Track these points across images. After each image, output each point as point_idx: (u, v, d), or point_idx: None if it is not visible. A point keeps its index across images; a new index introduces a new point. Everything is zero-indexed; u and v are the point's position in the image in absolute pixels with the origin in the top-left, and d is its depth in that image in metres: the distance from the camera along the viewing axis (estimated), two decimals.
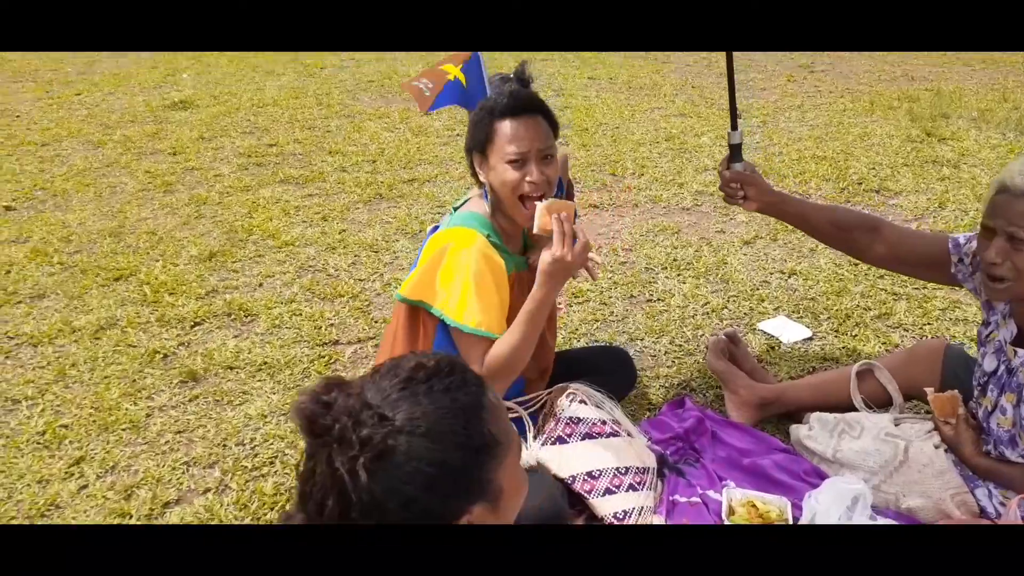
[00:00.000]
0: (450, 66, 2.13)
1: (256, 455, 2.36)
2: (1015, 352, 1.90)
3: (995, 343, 1.98)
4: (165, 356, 2.89)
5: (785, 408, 2.38)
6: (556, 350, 2.63)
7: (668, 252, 3.66)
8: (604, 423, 2.12)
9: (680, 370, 2.73)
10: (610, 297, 3.26)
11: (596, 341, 2.92)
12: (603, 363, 2.38)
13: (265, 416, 2.53)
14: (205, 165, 5.09)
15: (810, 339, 2.90)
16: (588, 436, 2.06)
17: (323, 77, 7.58)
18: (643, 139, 5.43)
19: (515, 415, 2.08)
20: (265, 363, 2.82)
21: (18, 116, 6.34)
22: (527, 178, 1.90)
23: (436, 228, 2.09)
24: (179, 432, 2.47)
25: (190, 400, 2.63)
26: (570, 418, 2.07)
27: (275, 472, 2.28)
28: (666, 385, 2.65)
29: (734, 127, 2.19)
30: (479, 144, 1.96)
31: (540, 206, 1.85)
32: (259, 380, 2.74)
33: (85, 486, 2.24)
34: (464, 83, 2.14)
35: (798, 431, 2.27)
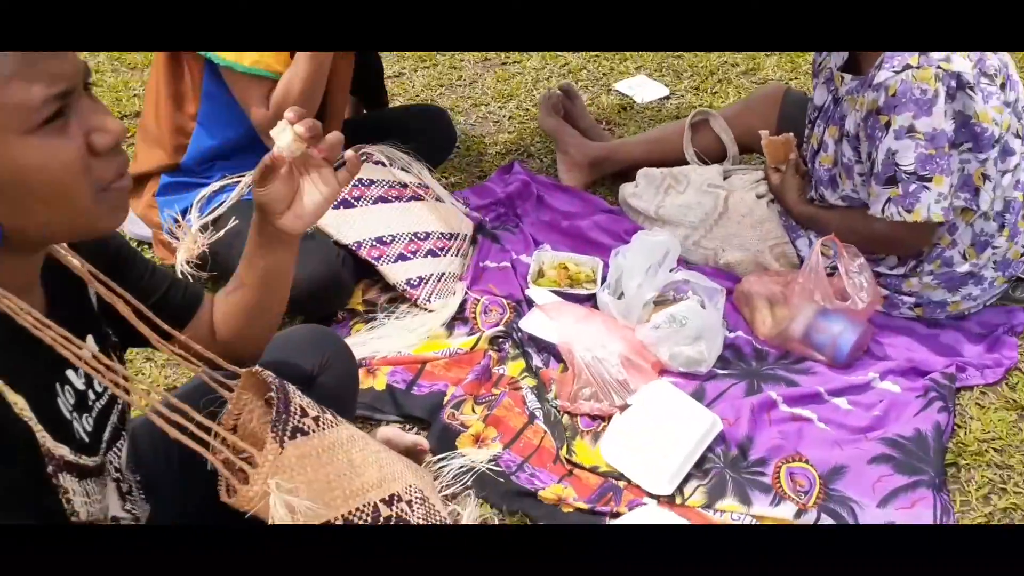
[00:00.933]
0: None
1: None
2: (842, 79, 1.71)
3: (826, 72, 1.79)
4: None
5: (618, 167, 2.20)
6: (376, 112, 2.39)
7: None
8: (404, 186, 1.92)
9: (521, 136, 2.50)
10: (461, 60, 2.95)
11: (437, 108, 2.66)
12: (417, 124, 2.14)
13: None
14: None
15: (667, 98, 2.68)
16: (382, 200, 1.87)
17: None
18: None
19: None
20: None
21: None
22: None
23: None
24: None
25: None
26: (359, 180, 1.86)
27: None
28: (502, 151, 2.44)
29: None
30: None
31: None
32: None
33: None
34: None
35: (624, 189, 2.11)
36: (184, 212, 1.80)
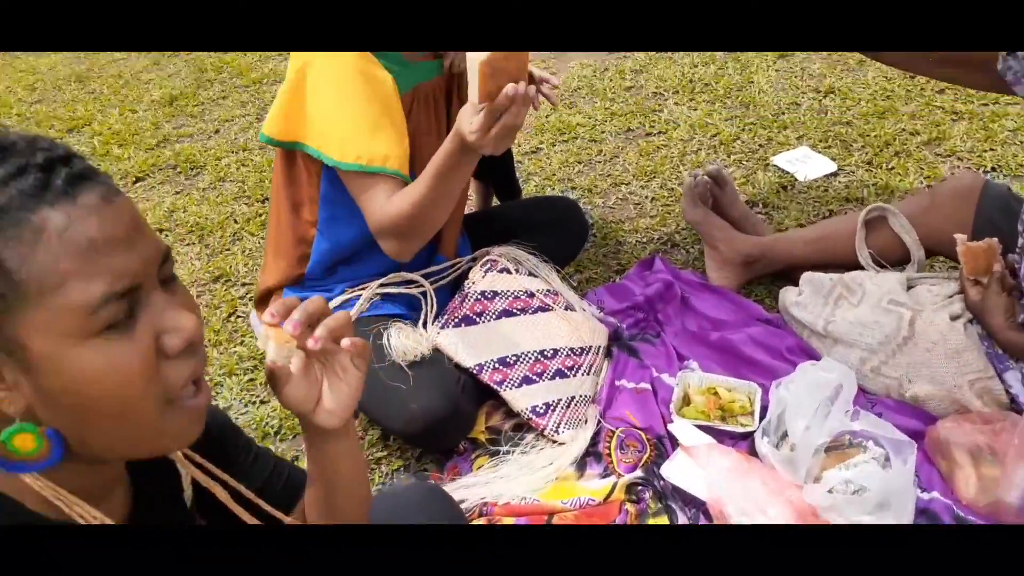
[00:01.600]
0: None
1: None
2: None
3: None
4: None
5: (775, 266, 1.92)
6: (496, 204, 2.23)
7: (685, 72, 3.07)
8: (531, 295, 1.73)
9: (665, 220, 2.27)
10: (602, 132, 2.75)
11: (573, 188, 2.47)
12: (546, 217, 1.95)
13: (193, 283, 2.26)
14: None
15: (834, 174, 2.37)
16: (506, 314, 1.69)
17: None
18: None
19: (418, 289, 1.71)
20: (197, 224, 2.52)
21: None
22: None
23: None
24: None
25: None
26: (483, 292, 1.69)
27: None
28: (644, 240, 2.21)
29: None
30: None
31: (474, 58, 1.19)
32: (188, 244, 2.45)
33: None
34: None
35: (786, 296, 1.83)
36: None
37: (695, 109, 2.81)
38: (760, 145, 2.56)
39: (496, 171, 2.14)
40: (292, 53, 1.54)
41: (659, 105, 2.88)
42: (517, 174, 2.29)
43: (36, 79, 3.71)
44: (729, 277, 1.94)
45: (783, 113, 2.71)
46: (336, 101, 1.47)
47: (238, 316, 2.13)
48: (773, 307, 1.90)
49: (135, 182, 2.82)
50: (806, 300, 1.76)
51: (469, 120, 1.27)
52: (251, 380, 1.91)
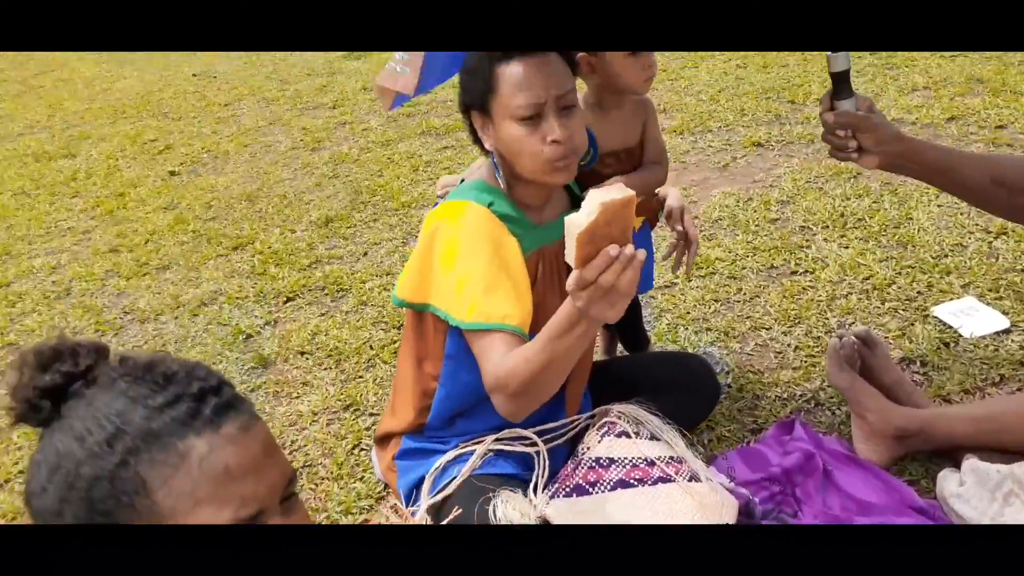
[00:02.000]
0: None
1: (291, 462, 2.15)
2: None
3: None
4: (248, 337, 2.78)
5: (933, 444, 1.72)
6: (625, 354, 2.16)
7: (836, 204, 2.92)
8: (651, 464, 1.63)
9: (808, 374, 2.11)
10: (743, 268, 2.64)
11: (709, 330, 2.36)
12: (674, 375, 1.85)
13: (315, 414, 2.32)
14: (358, 118, 4.99)
15: (1007, 332, 2.13)
16: (622, 484, 1.59)
17: None
18: None
19: (531, 447, 1.66)
20: (336, 348, 2.61)
21: (215, 77, 6.68)
22: (548, 137, 1.43)
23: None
24: None
25: (251, 391, 2.49)
26: (597, 459, 1.61)
27: (299, 487, 2.06)
28: (784, 396, 2.05)
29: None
30: (477, 97, 1.50)
31: (571, 222, 1.12)
32: (325, 368, 2.53)
33: None
34: None
35: (946, 484, 1.62)
36: (418, 483, 1.68)
37: (846, 247, 2.65)
38: (919, 292, 2.35)
39: (622, 318, 2.08)
40: (428, 216, 1.58)
41: (806, 241, 2.74)
42: (646, 314, 2.22)
43: (213, 197, 4.07)
44: (879, 451, 1.75)
45: (946, 256, 2.50)
46: (461, 263, 1.49)
47: (362, 448, 2.15)
48: (929, 489, 1.69)
49: (286, 302, 2.97)
50: (969, 492, 1.55)
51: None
52: (366, 520, 1.91)
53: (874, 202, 2.90)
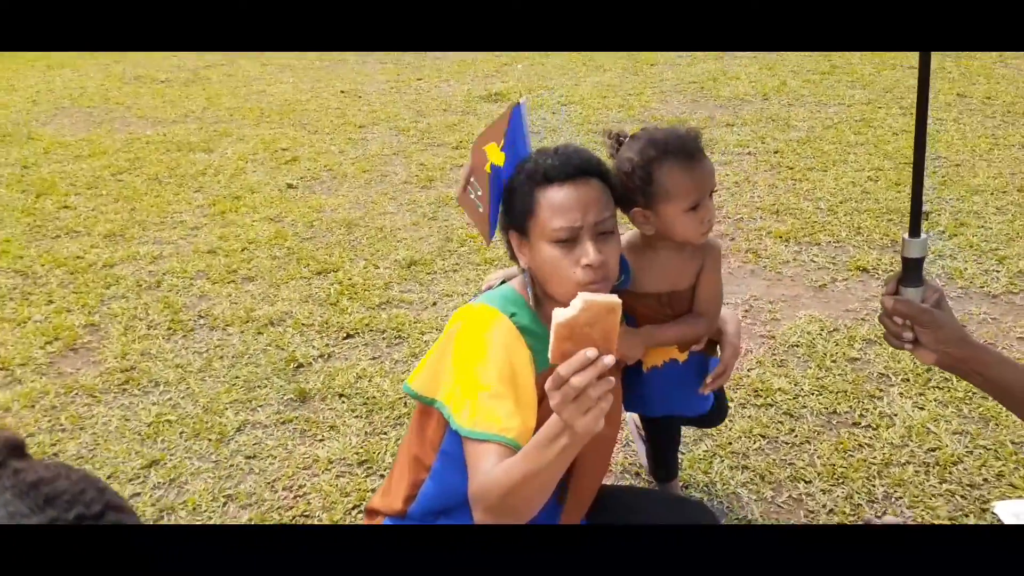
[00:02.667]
0: (492, 146, 1.52)
1: (291, 508, 2.17)
2: None
3: None
4: (299, 367, 2.85)
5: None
6: (634, 485, 2.05)
7: None
8: None
9: None
10: (803, 407, 2.47)
11: (746, 468, 2.22)
12: (663, 520, 1.73)
13: (331, 463, 2.34)
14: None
15: None
16: None
17: (649, 75, 7.18)
18: (985, 184, 4.18)
19: None
20: (373, 397, 2.63)
21: (360, 96, 6.98)
22: (582, 260, 1.42)
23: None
24: (248, 458, 2.38)
25: (283, 423, 2.54)
26: None
27: None
28: None
29: (914, 230, 1.39)
30: (518, 218, 1.50)
31: (555, 316, 1.14)
32: (356, 416, 2.55)
33: (138, 494, 2.25)
34: (502, 162, 1.58)
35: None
36: None
37: (921, 408, 2.43)
38: (985, 480, 2.12)
39: (655, 439, 1.99)
40: (455, 313, 1.58)
41: (880, 391, 2.53)
42: (687, 433, 2.10)
43: (317, 217, 4.23)
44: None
45: None
46: (473, 369, 1.48)
47: (360, 511, 2.14)
48: None
49: (345, 338, 3.03)
50: None
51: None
52: None
53: None
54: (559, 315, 1.12)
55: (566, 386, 1.12)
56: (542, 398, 1.53)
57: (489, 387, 1.44)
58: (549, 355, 1.15)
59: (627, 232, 1.66)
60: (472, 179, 1.60)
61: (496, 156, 1.56)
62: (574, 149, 1.51)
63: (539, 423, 1.47)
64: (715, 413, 1.92)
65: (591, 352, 1.11)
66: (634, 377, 1.78)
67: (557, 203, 1.43)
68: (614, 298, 1.12)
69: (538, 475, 1.29)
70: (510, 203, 1.52)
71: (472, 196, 1.61)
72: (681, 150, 1.55)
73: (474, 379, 1.46)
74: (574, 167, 1.47)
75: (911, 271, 1.39)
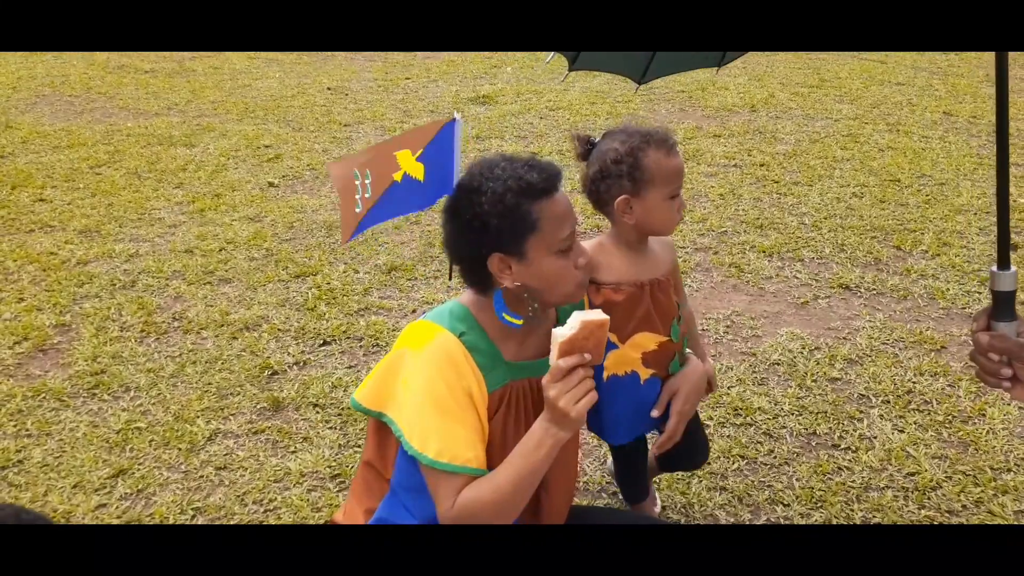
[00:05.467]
0: (406, 153, 1.45)
1: (261, 523, 2.12)
2: None
3: None
4: (274, 374, 2.79)
5: None
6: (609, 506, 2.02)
7: (906, 378, 2.69)
8: None
9: None
10: (782, 427, 2.45)
11: (724, 488, 2.20)
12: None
13: (303, 476, 2.29)
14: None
15: None
16: None
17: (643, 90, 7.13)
18: (969, 203, 4.19)
19: None
20: (348, 408, 2.58)
21: (346, 94, 6.92)
22: (580, 261, 1.49)
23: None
24: (218, 469, 2.33)
25: (255, 432, 2.49)
26: None
27: None
28: None
29: (1003, 262, 1.33)
30: (513, 240, 1.44)
31: (556, 335, 1.32)
32: (331, 427, 2.51)
33: (104, 505, 2.20)
34: (421, 176, 1.51)
35: None
36: None
37: (901, 430, 2.42)
38: (964, 506, 2.11)
39: (615, 458, 1.96)
40: (407, 327, 1.53)
41: (860, 412, 2.52)
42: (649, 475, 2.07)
43: (297, 218, 4.17)
44: None
45: (1010, 471, 2.24)
46: (421, 390, 1.45)
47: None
48: None
49: (321, 345, 2.98)
50: None
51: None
52: None
53: (949, 385, 2.65)
54: (559, 335, 1.31)
55: (567, 378, 1.32)
56: (491, 415, 1.50)
57: (442, 412, 1.43)
58: (550, 367, 1.33)
59: (594, 238, 1.72)
60: (367, 174, 1.48)
61: (411, 166, 1.48)
62: (539, 160, 1.49)
63: (490, 439, 1.49)
64: (696, 453, 1.91)
65: (588, 356, 1.33)
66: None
67: (560, 213, 1.44)
68: (603, 315, 1.32)
69: (527, 479, 1.41)
70: (502, 226, 1.43)
71: (357, 189, 1.48)
72: (664, 140, 1.63)
73: (425, 402, 1.44)
74: (556, 174, 1.47)
75: (1003, 305, 1.33)
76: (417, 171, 1.46)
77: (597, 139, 1.70)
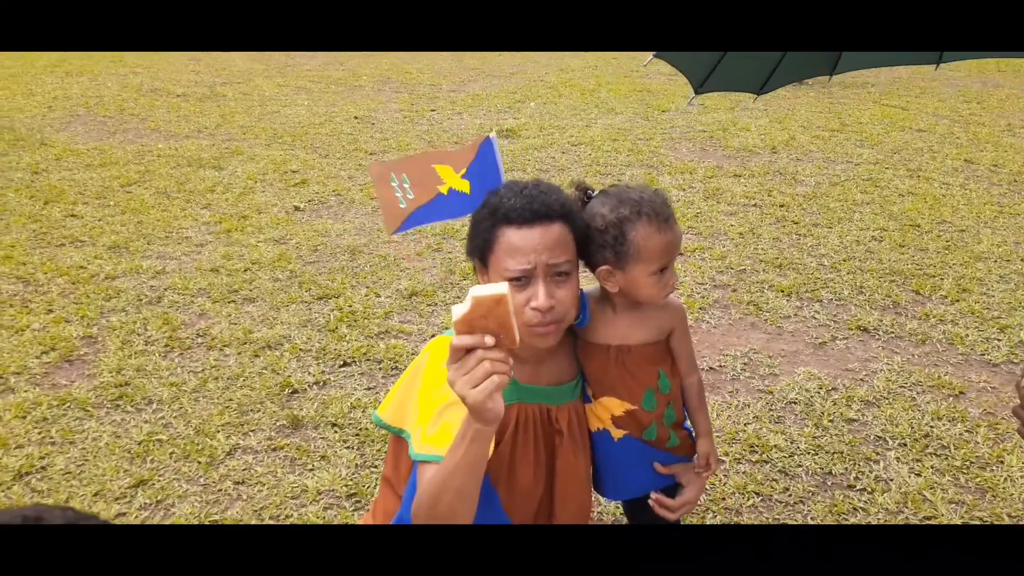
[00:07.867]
0: (447, 169, 1.55)
1: None
2: None
3: None
4: (294, 393, 2.83)
5: None
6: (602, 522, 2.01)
7: (924, 422, 2.68)
8: None
9: None
10: (798, 466, 2.45)
11: (738, 518, 2.20)
12: None
13: (320, 494, 2.31)
14: None
15: None
16: None
17: (659, 120, 7.23)
18: (989, 251, 4.19)
19: None
20: (366, 428, 2.61)
21: (373, 123, 7.04)
22: (532, 303, 1.42)
23: None
24: (236, 483, 2.36)
25: (274, 449, 2.52)
26: None
27: None
28: None
29: None
30: (478, 250, 1.49)
31: (453, 314, 1.22)
32: (348, 447, 2.53)
33: (123, 514, 2.23)
34: (468, 191, 1.59)
35: None
36: None
37: (918, 474, 2.41)
38: None
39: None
40: (427, 345, 1.57)
41: (877, 454, 2.52)
42: None
43: (322, 242, 4.23)
44: None
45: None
46: (436, 401, 1.48)
47: None
48: None
49: (341, 366, 3.02)
50: None
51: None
52: None
53: (967, 431, 2.64)
54: (456, 312, 1.19)
55: (464, 360, 1.19)
56: (502, 436, 1.52)
57: (448, 415, 1.43)
58: (449, 348, 1.21)
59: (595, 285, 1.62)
60: (404, 182, 1.59)
61: (456, 182, 1.57)
62: (540, 190, 1.47)
63: (499, 463, 1.50)
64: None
65: (489, 339, 1.18)
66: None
67: (513, 245, 1.42)
68: (502, 288, 1.17)
69: (453, 476, 1.30)
70: (473, 234, 1.50)
71: (397, 195, 1.60)
72: (656, 213, 1.50)
73: (431, 406, 1.46)
74: (533, 212, 1.43)
75: None
76: (463, 186, 1.53)
77: (594, 193, 1.59)
